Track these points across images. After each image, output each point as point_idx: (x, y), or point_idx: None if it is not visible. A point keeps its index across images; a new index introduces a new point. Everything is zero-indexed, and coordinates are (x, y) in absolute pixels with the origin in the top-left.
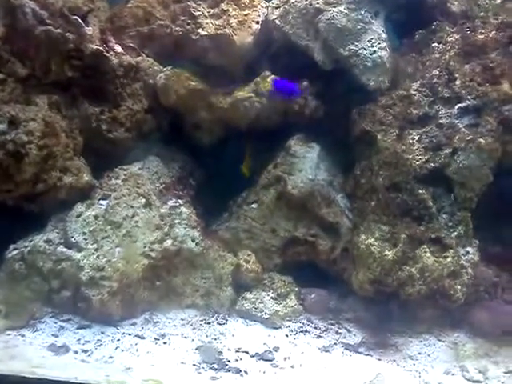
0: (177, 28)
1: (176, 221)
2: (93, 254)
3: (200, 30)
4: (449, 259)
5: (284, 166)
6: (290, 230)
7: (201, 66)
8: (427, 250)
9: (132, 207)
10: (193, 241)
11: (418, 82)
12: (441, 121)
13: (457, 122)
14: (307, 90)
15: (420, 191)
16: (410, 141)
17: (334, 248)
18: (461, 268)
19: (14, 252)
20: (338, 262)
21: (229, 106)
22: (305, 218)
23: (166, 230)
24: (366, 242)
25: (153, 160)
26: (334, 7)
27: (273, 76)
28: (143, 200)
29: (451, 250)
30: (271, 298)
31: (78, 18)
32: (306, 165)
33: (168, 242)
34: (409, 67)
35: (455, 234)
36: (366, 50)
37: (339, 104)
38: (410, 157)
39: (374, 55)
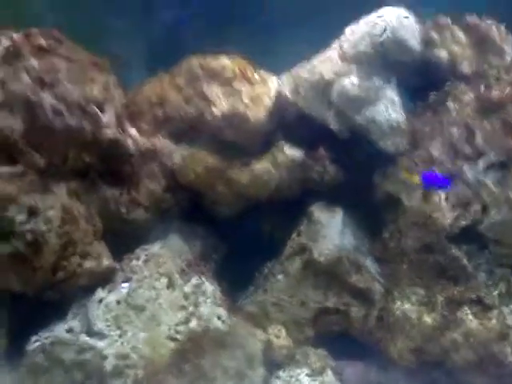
0: (191, 110)
1: (200, 299)
2: (116, 341)
3: (214, 110)
4: (493, 321)
5: (308, 234)
6: (319, 301)
7: (217, 143)
8: (469, 312)
9: (155, 288)
10: (219, 319)
11: (438, 140)
12: (466, 177)
13: (483, 177)
14: (323, 157)
15: (453, 250)
16: (437, 200)
17: (368, 316)
18: (508, 328)
19: (36, 344)
20: (373, 331)
21: (248, 181)
22: (334, 287)
23: (190, 309)
24: (402, 308)
25: (173, 237)
26: (346, 77)
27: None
28: (166, 280)
29: (495, 311)
30: (306, 374)
31: (94, 107)
32: (330, 230)
33: (194, 323)
34: (426, 127)
35: (496, 292)
36: (381, 115)
37: (359, 169)
38: (439, 215)
39: (390, 119)
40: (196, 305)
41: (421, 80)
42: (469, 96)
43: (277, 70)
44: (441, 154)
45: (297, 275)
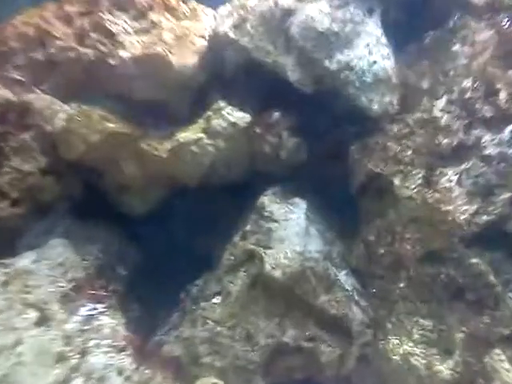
0: (86, 50)
1: (92, 342)
2: None
3: (120, 51)
4: None
5: (257, 236)
6: (273, 334)
7: (124, 102)
8: (502, 356)
9: (15, 329)
10: (120, 374)
11: (443, 99)
12: (486, 151)
13: (511, 151)
14: (280, 122)
15: (473, 260)
16: (446, 184)
17: (345, 357)
18: None
19: None
20: (353, 380)
21: (168, 155)
22: (295, 314)
23: (73, 361)
24: (401, 350)
25: (56, 245)
26: (311, 4)
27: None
28: (35, 314)
29: None
30: None
31: None
32: (289, 231)
33: None
34: (423, 81)
35: None
36: (361, 59)
37: (329, 140)
38: (450, 208)
39: (375, 66)
40: (84, 352)
41: (413, 13)
42: (485, 35)
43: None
44: (448, 119)
45: (241, 297)
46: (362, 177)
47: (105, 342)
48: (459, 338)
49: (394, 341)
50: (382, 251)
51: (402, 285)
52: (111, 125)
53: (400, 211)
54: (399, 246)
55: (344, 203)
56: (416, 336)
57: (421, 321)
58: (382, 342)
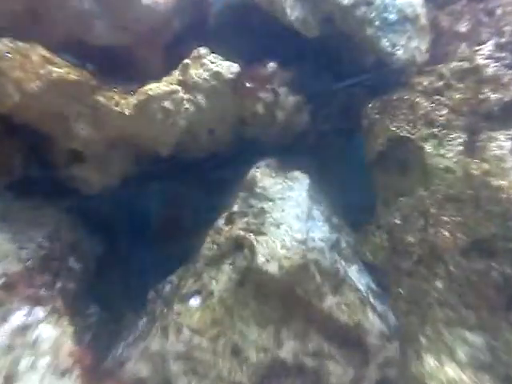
0: None
1: (23, 363)
2: None
3: None
4: None
5: (247, 219)
6: (267, 348)
7: (81, 47)
8: None
9: None
10: None
11: (489, 44)
12: None
13: None
14: (277, 75)
15: None
16: (496, 152)
17: (361, 381)
18: None
19: None
20: None
21: (134, 112)
22: (295, 320)
23: None
24: (442, 375)
25: None
26: None
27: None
28: None
29: None
30: None
31: None
32: (287, 213)
33: None
34: (459, 24)
35: None
36: None
37: (339, 98)
38: (504, 183)
39: (400, 0)
40: (9, 379)
41: None
42: None
43: None
44: (497, 69)
45: (226, 298)
46: (381, 143)
47: (42, 361)
48: None
49: (430, 361)
50: (412, 239)
51: (439, 284)
52: (57, 69)
53: (433, 187)
54: (434, 232)
55: (355, 178)
56: (461, 355)
57: (467, 334)
58: (414, 361)
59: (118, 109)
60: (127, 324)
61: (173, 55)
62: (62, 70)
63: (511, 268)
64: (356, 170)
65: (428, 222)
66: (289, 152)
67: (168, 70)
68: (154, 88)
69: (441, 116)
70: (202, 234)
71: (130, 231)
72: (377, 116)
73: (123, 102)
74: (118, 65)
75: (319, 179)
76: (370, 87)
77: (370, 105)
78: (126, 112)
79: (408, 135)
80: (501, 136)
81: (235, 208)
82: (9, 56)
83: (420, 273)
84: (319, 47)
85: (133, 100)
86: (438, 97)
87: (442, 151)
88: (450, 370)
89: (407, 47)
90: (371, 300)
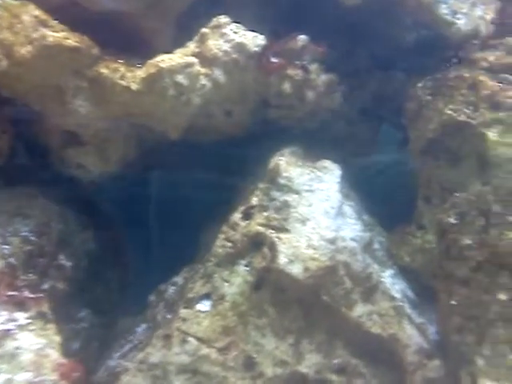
0: None
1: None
2: None
3: None
4: None
5: (268, 213)
6: (286, 361)
7: (76, 11)
8: None
9: None
10: None
11: None
12: None
13: None
14: (307, 50)
15: None
16: None
17: None
18: None
19: None
20: None
21: (141, 87)
22: (318, 331)
23: None
24: None
25: None
26: None
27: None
28: None
29: None
30: None
31: None
32: (315, 208)
33: None
34: None
35: None
36: None
37: (379, 75)
38: None
39: None
40: None
41: None
42: None
43: None
44: None
45: (240, 303)
46: (433, 128)
47: (21, 377)
48: None
49: None
50: (469, 242)
51: (502, 296)
52: (53, 33)
53: (496, 181)
54: (498, 234)
55: (394, 170)
56: None
57: None
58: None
59: (123, 82)
60: (123, 331)
61: (187, 27)
62: (58, 34)
63: None
64: (396, 158)
65: (489, 222)
66: (316, 139)
67: (181, 44)
68: (166, 60)
69: (509, 98)
70: (214, 230)
71: (128, 225)
72: (428, 97)
73: (130, 76)
74: (120, 36)
75: (353, 169)
76: (422, 64)
77: (420, 84)
78: (133, 87)
79: (468, 120)
80: None
81: (254, 201)
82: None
83: (478, 282)
84: (360, 16)
85: (141, 73)
86: (506, 75)
87: (510, 139)
88: None
89: (470, 16)
90: (408, 310)
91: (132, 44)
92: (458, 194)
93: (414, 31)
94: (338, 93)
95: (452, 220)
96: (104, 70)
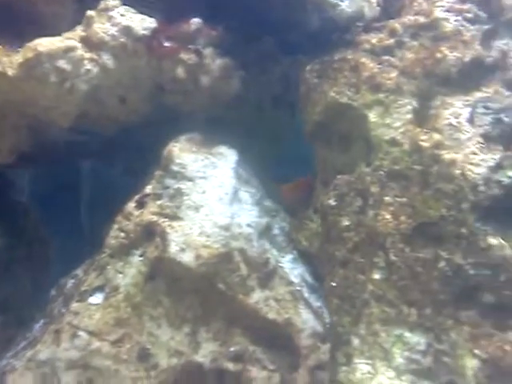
0: None
1: None
2: None
3: None
4: None
5: (161, 201)
6: (181, 351)
7: None
8: None
9: None
10: None
11: None
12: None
13: None
14: (201, 34)
15: (492, 240)
16: (451, 121)
17: None
18: None
19: None
20: None
21: (20, 72)
22: (214, 319)
23: None
24: (375, 383)
25: None
26: None
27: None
28: None
29: None
30: None
31: None
32: (209, 194)
33: None
34: None
35: None
36: None
37: (286, 61)
38: (457, 157)
39: None
40: None
41: None
42: None
43: None
44: (458, 24)
45: (133, 293)
46: (319, 111)
47: None
48: (471, 367)
49: (363, 367)
50: (347, 223)
51: (376, 276)
52: None
53: (376, 161)
54: (374, 214)
55: (292, 155)
56: (399, 360)
57: (407, 335)
58: (344, 367)
59: None
60: (23, 328)
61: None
62: None
63: (462, 257)
64: (297, 146)
65: (367, 202)
66: (218, 125)
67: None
68: (45, 43)
69: (389, 79)
70: (108, 220)
71: (34, 218)
72: (316, 80)
73: (5, 60)
74: (17, 21)
75: (250, 154)
76: (308, 47)
77: (308, 67)
78: (9, 72)
79: (349, 102)
80: (457, 102)
81: (148, 189)
82: None
83: (355, 262)
84: (253, 2)
85: (18, 58)
86: (387, 57)
87: (388, 120)
88: (385, 378)
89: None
90: (305, 294)
91: (33, 30)
92: (339, 176)
93: (315, 15)
94: (236, 78)
95: (332, 202)
96: None
